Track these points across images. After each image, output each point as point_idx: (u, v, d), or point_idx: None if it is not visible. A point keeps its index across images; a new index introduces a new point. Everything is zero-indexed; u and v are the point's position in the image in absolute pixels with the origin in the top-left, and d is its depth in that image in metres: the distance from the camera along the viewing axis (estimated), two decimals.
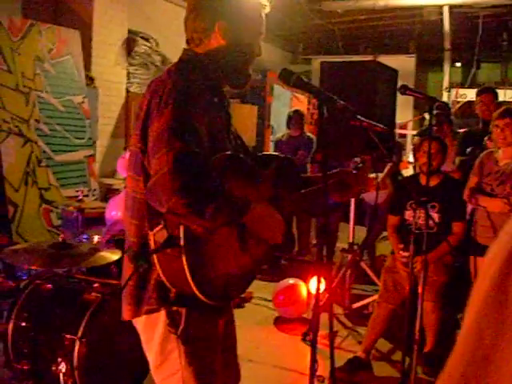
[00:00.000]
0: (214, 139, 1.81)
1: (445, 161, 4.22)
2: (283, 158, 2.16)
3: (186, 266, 1.66)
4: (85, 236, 3.97)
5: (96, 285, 3.16)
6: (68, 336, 2.87)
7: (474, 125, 5.39)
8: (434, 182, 4.03)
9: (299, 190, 2.08)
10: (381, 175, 4.51)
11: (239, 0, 1.94)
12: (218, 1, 1.91)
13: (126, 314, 1.91)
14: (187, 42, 1.97)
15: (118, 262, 3.17)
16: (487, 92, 5.36)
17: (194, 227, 1.66)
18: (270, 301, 5.07)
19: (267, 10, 2.01)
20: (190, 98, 1.75)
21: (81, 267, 3.40)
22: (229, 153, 1.86)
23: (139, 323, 1.91)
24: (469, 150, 4.89)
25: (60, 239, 3.27)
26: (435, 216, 4.03)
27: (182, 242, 1.65)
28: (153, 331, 1.86)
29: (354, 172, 2.24)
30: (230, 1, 1.92)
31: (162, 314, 1.82)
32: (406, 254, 3.80)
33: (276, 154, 2.25)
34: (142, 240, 1.83)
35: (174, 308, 1.82)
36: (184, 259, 1.66)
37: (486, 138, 4.67)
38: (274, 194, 1.98)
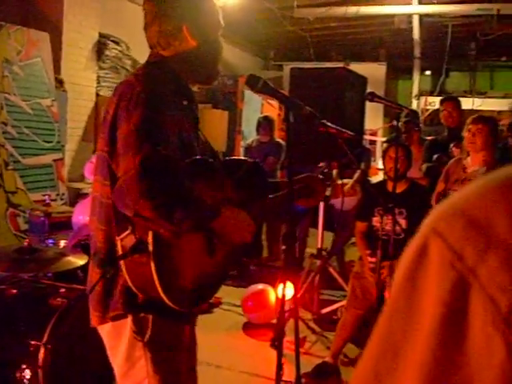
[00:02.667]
0: (182, 142, 1.80)
1: (411, 167, 4.27)
2: (251, 162, 2.17)
3: (154, 272, 1.64)
4: (51, 240, 3.92)
5: (62, 290, 3.12)
6: (33, 342, 2.83)
7: (442, 132, 5.47)
8: (401, 189, 4.08)
9: (267, 196, 2.08)
10: (350, 181, 4.55)
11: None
12: (180, 4, 1.92)
13: (93, 320, 1.88)
14: (151, 47, 1.97)
15: (85, 267, 3.13)
16: (449, 100, 5.47)
17: (161, 231, 1.64)
18: (238, 306, 5.06)
19: (220, 2, 2.04)
20: (159, 100, 1.75)
21: (47, 272, 3.36)
22: (198, 157, 1.85)
23: (104, 330, 1.88)
24: (435, 156, 4.95)
25: (25, 243, 3.23)
26: (402, 222, 4.07)
27: (150, 248, 1.64)
28: (119, 338, 1.83)
29: (319, 177, 2.26)
30: (191, 2, 1.94)
31: (129, 320, 1.80)
32: (374, 259, 3.83)
33: (244, 158, 2.25)
34: (109, 245, 1.81)
35: (141, 314, 1.80)
36: (152, 265, 1.64)
37: (451, 146, 4.74)
38: (241, 199, 1.98)
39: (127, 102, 1.69)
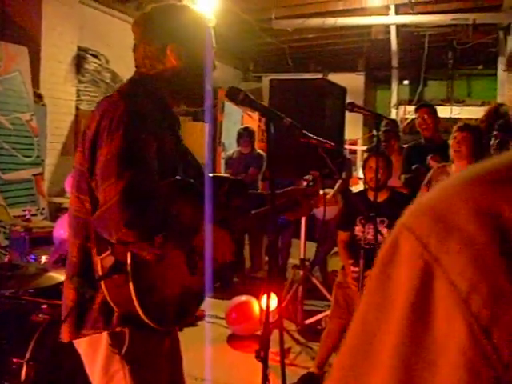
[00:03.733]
0: (163, 163, 1.80)
1: (391, 176, 4.29)
2: (234, 179, 2.18)
3: (133, 293, 1.64)
4: (32, 256, 3.89)
5: (44, 306, 3.09)
6: (15, 360, 2.80)
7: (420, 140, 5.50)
8: (382, 198, 4.10)
9: (250, 211, 2.08)
10: (331, 191, 4.56)
11: (186, 19, 1.96)
12: (166, 25, 1.92)
13: (65, 335, 1.86)
14: (136, 67, 1.97)
15: None
16: (424, 107, 5.48)
17: (143, 254, 1.65)
18: (222, 318, 5.04)
19: (213, 23, 2.03)
20: (141, 122, 1.74)
21: (28, 288, 3.32)
22: (178, 178, 1.86)
23: (81, 345, 1.86)
24: (414, 167, 4.98)
25: (6, 260, 3.20)
26: (384, 231, 4.09)
27: (128, 269, 1.64)
28: (95, 352, 1.81)
29: (305, 189, 2.27)
30: (178, 22, 1.94)
31: (105, 334, 1.79)
32: (356, 269, 3.84)
33: (227, 176, 2.26)
34: (82, 259, 1.80)
35: (118, 329, 1.79)
36: (131, 286, 1.64)
37: (428, 158, 4.75)
38: (223, 216, 1.98)
39: (109, 122, 1.67)
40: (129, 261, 1.64)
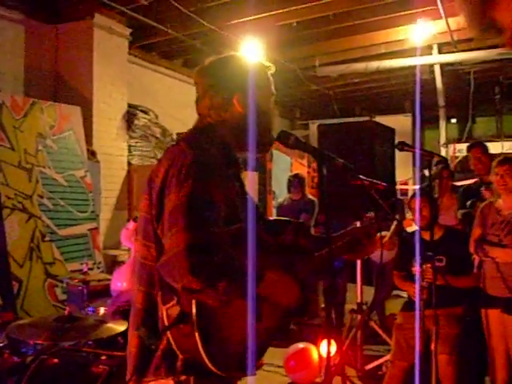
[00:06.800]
0: (229, 211, 1.80)
1: (438, 212, 4.23)
2: (297, 222, 2.16)
3: (199, 343, 1.63)
4: (90, 308, 3.93)
5: (103, 357, 3.11)
6: None
7: (473, 178, 5.46)
8: (437, 236, 4.02)
9: (313, 255, 2.06)
10: (387, 234, 4.50)
11: (248, 69, 2.00)
12: (231, 75, 1.97)
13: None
14: (200, 115, 2.00)
15: (125, 333, 3.12)
16: (476, 146, 5.43)
17: (209, 301, 1.65)
18: (281, 367, 4.96)
19: (273, 70, 2.07)
20: (209, 171, 1.75)
21: (87, 340, 3.35)
22: (242, 225, 1.85)
23: None
24: (469, 202, 4.92)
25: (65, 312, 3.24)
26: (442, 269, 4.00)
27: (194, 319, 1.63)
28: None
29: (366, 227, 2.24)
30: (242, 72, 1.98)
31: (170, 383, 1.78)
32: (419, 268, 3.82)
33: (289, 219, 2.23)
34: (148, 307, 1.80)
35: (183, 377, 1.77)
36: (197, 336, 1.63)
37: (482, 189, 4.72)
38: (288, 261, 1.96)
39: (178, 171, 1.70)
40: (194, 310, 1.63)
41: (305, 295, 1.95)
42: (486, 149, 5.35)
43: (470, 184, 5.46)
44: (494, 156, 5.36)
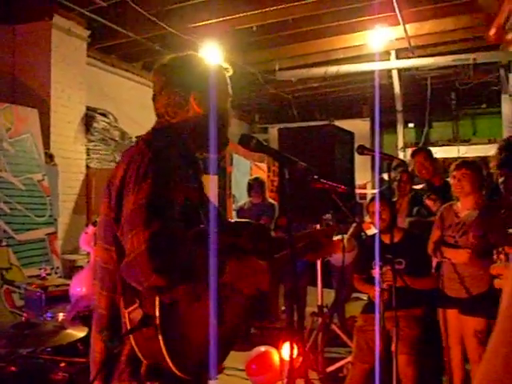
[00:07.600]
0: (188, 211, 1.80)
1: (396, 215, 4.31)
2: (257, 224, 2.16)
3: (162, 346, 1.62)
4: (49, 314, 3.86)
5: (62, 364, 3.06)
6: None
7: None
8: (396, 239, 4.09)
9: (272, 256, 2.06)
10: (346, 236, 4.55)
11: (206, 68, 2.01)
12: (189, 73, 1.97)
13: None
14: (158, 116, 2.00)
15: (85, 339, 3.07)
16: (420, 152, 5.53)
17: (177, 298, 1.64)
18: (242, 370, 4.96)
19: (230, 72, 2.08)
20: (168, 170, 1.74)
21: (46, 347, 3.29)
22: (202, 226, 1.85)
23: None
24: (415, 210, 5.05)
25: (23, 319, 3.18)
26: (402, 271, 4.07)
27: (157, 322, 1.62)
28: None
29: (325, 229, 2.26)
30: (199, 71, 1.99)
31: None
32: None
33: (248, 220, 2.24)
34: (112, 312, 1.78)
35: (148, 383, 1.76)
36: (160, 338, 1.62)
37: (424, 197, 4.84)
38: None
39: (136, 171, 1.68)
40: (157, 313, 1.62)
41: (264, 299, 1.95)
42: (430, 154, 5.45)
43: (416, 190, 5.53)
44: (438, 161, 5.48)
